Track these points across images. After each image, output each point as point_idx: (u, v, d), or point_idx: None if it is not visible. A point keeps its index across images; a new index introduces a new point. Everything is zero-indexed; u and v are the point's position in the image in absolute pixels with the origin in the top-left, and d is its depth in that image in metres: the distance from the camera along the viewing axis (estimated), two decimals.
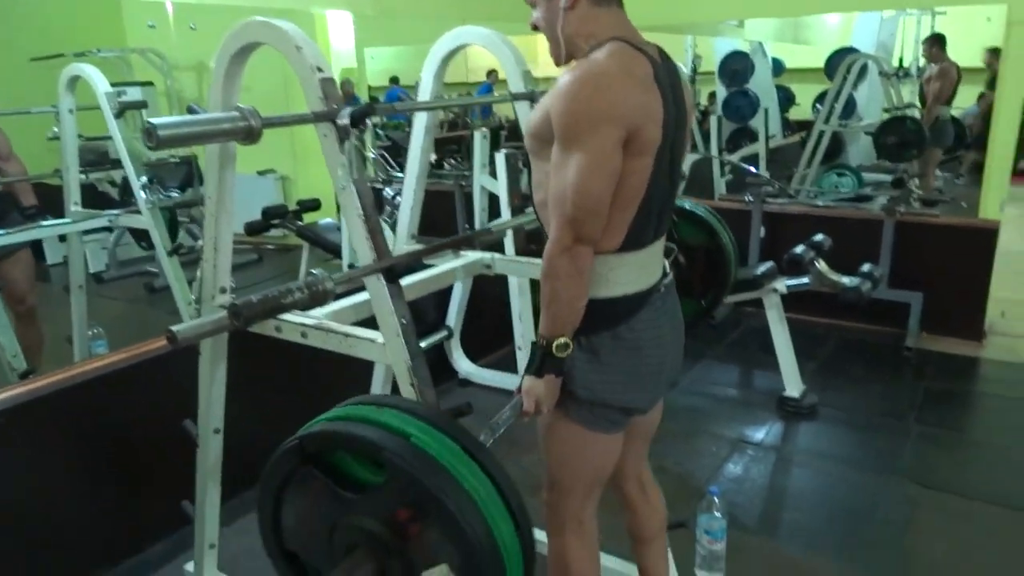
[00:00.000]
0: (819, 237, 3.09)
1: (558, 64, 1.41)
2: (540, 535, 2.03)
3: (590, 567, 1.61)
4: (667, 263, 1.51)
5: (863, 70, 6.02)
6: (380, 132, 6.42)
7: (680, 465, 2.73)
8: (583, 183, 1.23)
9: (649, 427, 1.68)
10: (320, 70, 1.41)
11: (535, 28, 1.41)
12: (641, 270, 1.40)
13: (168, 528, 2.38)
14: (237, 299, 1.34)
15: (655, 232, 1.40)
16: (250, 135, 1.26)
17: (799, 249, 3.01)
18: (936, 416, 3.14)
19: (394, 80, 6.14)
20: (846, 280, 3.00)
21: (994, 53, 6.72)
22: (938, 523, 2.43)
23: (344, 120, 1.38)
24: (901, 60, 6.36)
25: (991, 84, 6.59)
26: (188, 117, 1.21)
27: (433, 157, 5.98)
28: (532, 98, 1.89)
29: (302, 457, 1.21)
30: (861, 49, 6.20)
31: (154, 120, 1.14)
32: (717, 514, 2.13)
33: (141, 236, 3.97)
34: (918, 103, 6.42)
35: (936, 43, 6.15)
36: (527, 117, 1.89)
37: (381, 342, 1.49)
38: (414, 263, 1.54)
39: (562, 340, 1.33)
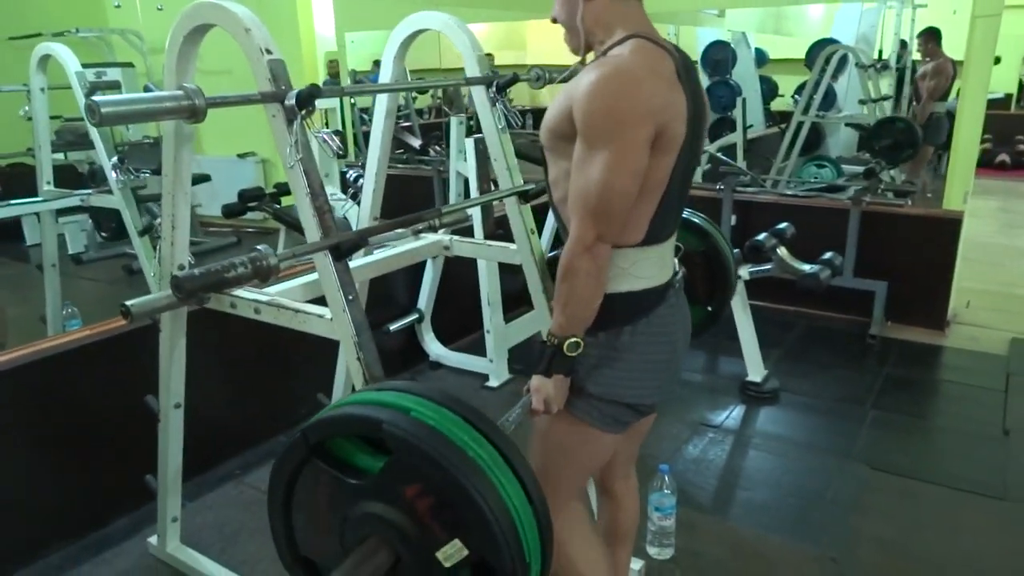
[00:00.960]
0: (782, 225, 3.14)
1: (576, 54, 1.41)
2: None
3: (588, 544, 1.60)
4: (676, 261, 1.51)
5: (843, 61, 6.04)
6: (364, 116, 6.43)
7: (641, 447, 2.78)
8: (609, 182, 1.22)
9: (647, 425, 1.69)
10: (269, 52, 1.44)
11: (554, 21, 1.41)
12: (660, 264, 1.41)
13: (132, 502, 2.42)
14: (180, 273, 1.37)
15: (671, 227, 1.41)
16: (194, 114, 1.29)
17: (761, 236, 3.06)
18: (893, 402, 3.22)
19: (377, 64, 6.13)
20: (806, 267, 3.05)
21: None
22: (886, 503, 2.50)
23: (291, 101, 1.42)
24: (880, 52, 6.38)
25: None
26: (131, 95, 1.24)
27: (418, 143, 6.00)
28: (488, 82, 1.92)
29: (307, 449, 1.17)
30: (842, 41, 6.21)
31: (96, 97, 1.17)
32: (667, 491, 2.19)
33: (101, 223, 3.98)
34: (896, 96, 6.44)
35: (932, 38, 5.91)
36: (482, 100, 1.94)
37: (329, 317, 1.54)
38: (362, 242, 1.57)
39: (574, 339, 1.31)
